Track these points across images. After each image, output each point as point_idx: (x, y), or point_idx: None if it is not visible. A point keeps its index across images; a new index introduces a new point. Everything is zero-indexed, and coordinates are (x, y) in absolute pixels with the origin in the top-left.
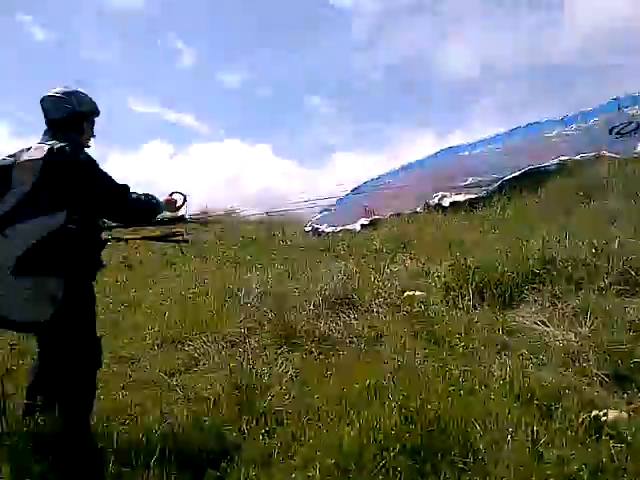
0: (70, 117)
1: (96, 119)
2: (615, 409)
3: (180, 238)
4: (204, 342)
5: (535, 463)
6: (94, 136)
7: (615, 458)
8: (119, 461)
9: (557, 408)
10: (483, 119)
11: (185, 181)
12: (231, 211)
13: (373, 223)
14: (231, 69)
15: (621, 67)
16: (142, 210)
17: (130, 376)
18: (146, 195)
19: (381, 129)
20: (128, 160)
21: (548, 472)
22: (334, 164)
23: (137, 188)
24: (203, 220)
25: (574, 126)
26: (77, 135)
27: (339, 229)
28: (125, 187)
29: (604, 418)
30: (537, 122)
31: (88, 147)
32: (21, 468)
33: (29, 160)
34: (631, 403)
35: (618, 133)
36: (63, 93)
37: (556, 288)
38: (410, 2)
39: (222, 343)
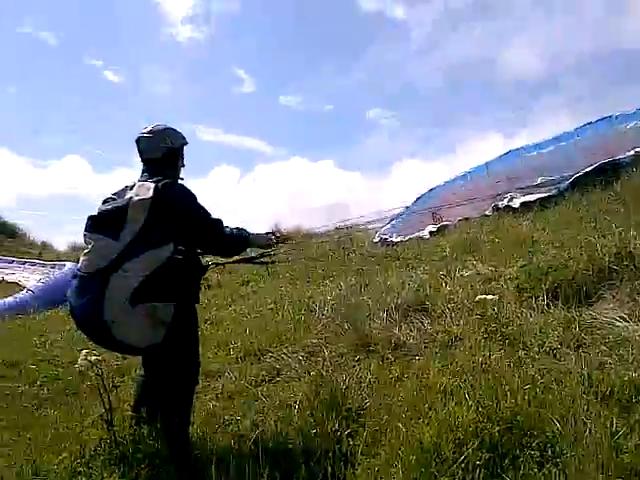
0: (166, 155)
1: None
2: None
3: (268, 260)
4: (284, 354)
5: (613, 454)
6: (184, 165)
7: None
8: (216, 466)
9: (637, 402)
10: (551, 117)
11: (253, 201)
12: (304, 231)
13: (441, 229)
14: (291, 91)
15: None
16: (235, 244)
17: (218, 388)
18: (238, 229)
19: (445, 134)
20: (198, 185)
21: (627, 462)
22: (399, 172)
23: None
24: (285, 247)
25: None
26: (173, 170)
27: (407, 238)
28: (219, 221)
29: None
30: (609, 116)
31: (182, 179)
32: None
33: (140, 199)
34: None
35: None
36: (156, 132)
37: (635, 283)
38: (465, 6)
39: (301, 354)
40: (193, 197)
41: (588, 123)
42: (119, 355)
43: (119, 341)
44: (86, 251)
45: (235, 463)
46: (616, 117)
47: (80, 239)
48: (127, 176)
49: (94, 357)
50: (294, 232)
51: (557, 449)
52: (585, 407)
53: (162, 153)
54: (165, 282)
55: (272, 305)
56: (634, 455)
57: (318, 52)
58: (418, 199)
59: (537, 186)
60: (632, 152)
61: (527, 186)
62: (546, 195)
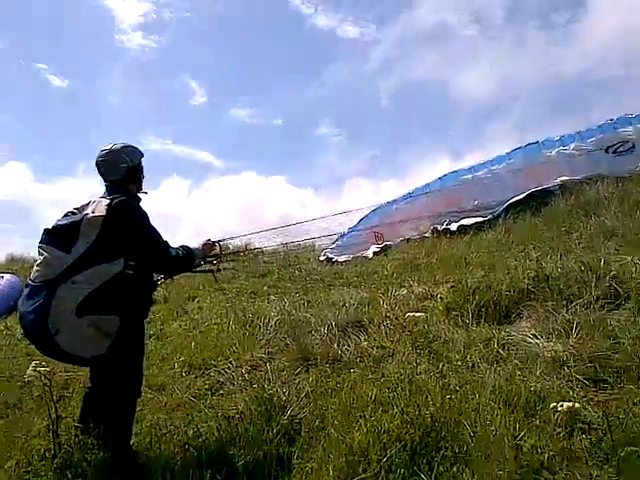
0: (127, 174)
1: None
2: (571, 401)
3: (214, 268)
4: (228, 367)
5: (514, 453)
6: (144, 177)
7: (584, 446)
8: (161, 473)
9: (539, 409)
10: (499, 140)
11: (204, 214)
12: (251, 249)
13: (384, 249)
14: (242, 105)
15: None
16: (181, 263)
17: (162, 401)
18: (183, 248)
19: (396, 154)
20: (149, 196)
21: (525, 461)
22: (350, 190)
23: (162, 222)
24: (231, 258)
25: (572, 145)
26: (135, 184)
27: (352, 257)
28: (165, 244)
29: (560, 408)
30: (536, 142)
31: (144, 192)
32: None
33: (94, 216)
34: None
35: (614, 152)
36: (113, 153)
37: (549, 303)
38: (417, 31)
39: (245, 367)
40: (144, 216)
41: (518, 148)
42: (67, 368)
43: (64, 351)
44: (38, 262)
45: (180, 469)
46: (543, 142)
47: (18, 250)
48: (70, 186)
49: (43, 368)
50: (242, 248)
51: (468, 450)
52: (494, 414)
53: (122, 174)
54: (113, 295)
55: (217, 320)
56: (530, 453)
57: (270, 67)
58: (362, 219)
59: (473, 210)
60: (558, 180)
61: (464, 210)
62: (481, 220)
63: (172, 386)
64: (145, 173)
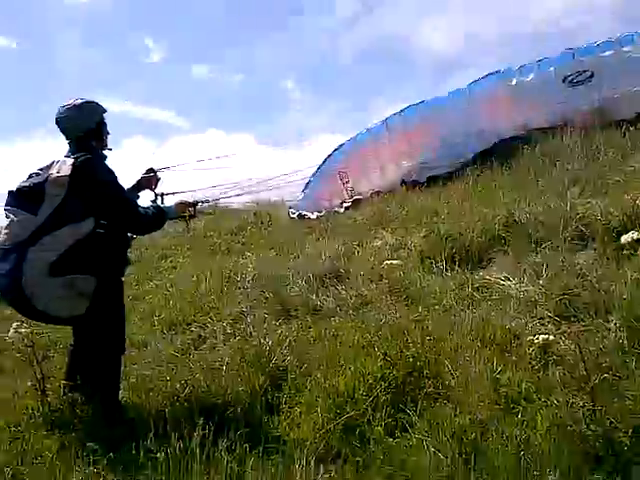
0: (89, 131)
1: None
2: (546, 334)
3: (188, 217)
4: (209, 322)
5: (492, 387)
6: (109, 133)
7: (557, 377)
8: (153, 421)
9: (514, 346)
10: None
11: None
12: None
13: (355, 203)
14: (201, 61)
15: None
16: (151, 220)
17: (146, 357)
18: (153, 207)
19: (364, 107)
20: (113, 157)
21: (503, 391)
22: (316, 146)
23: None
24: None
25: (531, 76)
26: (99, 141)
27: (324, 212)
28: (132, 202)
29: (536, 341)
30: (496, 71)
31: (109, 149)
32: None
33: (59, 176)
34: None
35: (571, 82)
36: (74, 110)
37: (519, 248)
38: None
39: (225, 322)
40: (110, 174)
41: (478, 79)
42: (48, 328)
43: (41, 312)
44: (5, 225)
45: (171, 419)
46: (503, 72)
47: None
48: (26, 148)
49: (24, 330)
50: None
51: (449, 387)
52: (471, 352)
53: (84, 130)
54: (86, 255)
55: (194, 278)
56: (508, 387)
57: (231, 22)
58: (325, 160)
59: (441, 157)
60: (523, 131)
61: (432, 163)
62: (449, 170)
63: (154, 343)
64: (109, 129)
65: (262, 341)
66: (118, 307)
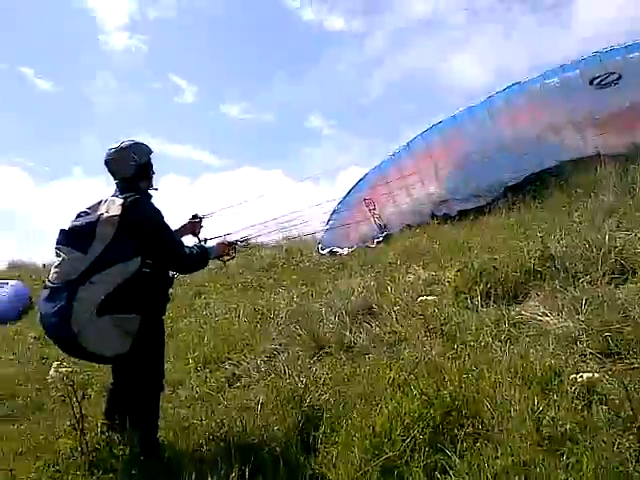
0: (137, 171)
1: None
2: (590, 372)
3: (227, 258)
4: (243, 360)
5: (534, 426)
6: (154, 173)
7: (602, 417)
8: (190, 462)
9: (555, 383)
10: None
11: (204, 210)
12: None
13: (387, 237)
14: (231, 100)
15: None
16: (196, 261)
17: (181, 396)
18: (197, 246)
19: (394, 142)
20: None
21: (546, 432)
22: (346, 180)
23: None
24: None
25: (556, 79)
26: (146, 181)
27: (354, 247)
28: (180, 243)
29: (580, 379)
30: (518, 82)
31: (155, 188)
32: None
33: (110, 216)
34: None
35: (599, 84)
36: (122, 151)
37: (556, 282)
38: (406, 20)
39: (259, 359)
40: (158, 215)
41: (498, 92)
42: (87, 367)
43: (87, 350)
44: (56, 263)
45: (208, 460)
46: (524, 83)
47: (18, 256)
48: (65, 188)
49: (65, 369)
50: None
51: (489, 426)
52: (511, 390)
53: (132, 172)
54: (132, 294)
55: (227, 315)
56: (551, 426)
57: (258, 62)
58: (351, 189)
59: (473, 195)
60: (554, 162)
61: (463, 196)
62: (480, 204)
63: (189, 381)
64: (155, 170)
65: (296, 379)
66: (159, 346)
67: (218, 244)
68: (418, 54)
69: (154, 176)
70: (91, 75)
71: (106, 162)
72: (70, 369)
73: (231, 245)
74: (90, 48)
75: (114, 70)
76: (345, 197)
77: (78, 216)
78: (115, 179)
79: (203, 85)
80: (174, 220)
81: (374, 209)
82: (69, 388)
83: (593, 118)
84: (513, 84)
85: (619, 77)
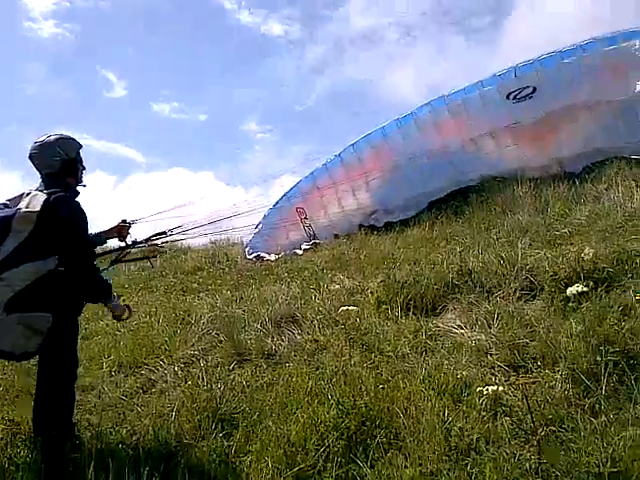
0: (63, 167)
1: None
2: (495, 385)
3: (151, 255)
4: (159, 365)
5: (444, 437)
6: (84, 168)
7: (506, 428)
8: (94, 470)
9: (465, 394)
10: None
11: (130, 210)
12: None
13: (314, 245)
14: (163, 99)
15: None
16: (92, 287)
17: (92, 402)
18: (107, 280)
19: (329, 151)
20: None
21: (454, 443)
22: (279, 189)
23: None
24: (153, 244)
25: (475, 93)
26: (72, 177)
27: (282, 254)
28: (90, 254)
29: (485, 392)
30: (442, 96)
31: (83, 185)
32: None
33: (28, 212)
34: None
35: (515, 98)
36: (47, 146)
37: (472, 296)
38: (342, 32)
39: (177, 365)
40: (78, 214)
41: (426, 103)
42: None
43: None
44: None
45: (115, 468)
46: (447, 96)
47: None
48: None
49: None
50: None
51: (401, 437)
52: (425, 401)
53: (58, 167)
54: (44, 293)
55: (147, 318)
56: (459, 437)
57: (192, 62)
58: (282, 196)
59: (400, 207)
60: (477, 175)
61: (388, 208)
62: (405, 217)
63: (101, 386)
64: (84, 164)
65: (214, 386)
66: (71, 347)
67: (110, 228)
68: (356, 66)
69: (84, 172)
70: (14, 63)
71: (30, 156)
72: None
73: (125, 227)
74: (14, 35)
75: (39, 59)
76: (276, 204)
77: None
78: (40, 174)
79: (134, 81)
80: (101, 220)
81: (305, 217)
82: None
83: (511, 131)
84: (437, 98)
85: (534, 90)
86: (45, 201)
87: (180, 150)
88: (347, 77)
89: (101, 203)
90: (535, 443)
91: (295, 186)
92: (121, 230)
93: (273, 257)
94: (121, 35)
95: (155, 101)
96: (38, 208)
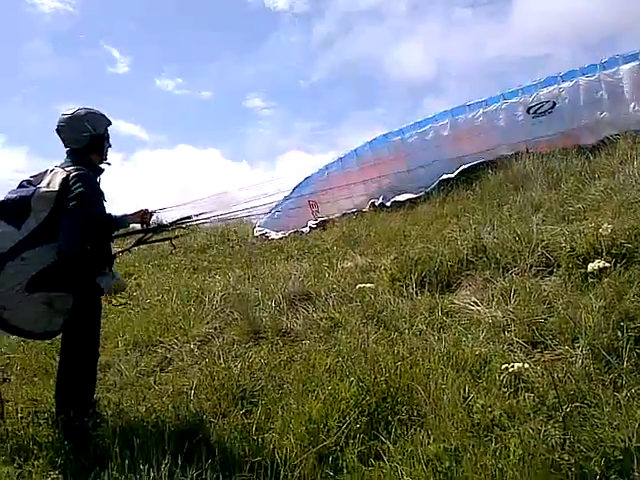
0: (91, 142)
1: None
2: (520, 362)
3: (172, 236)
4: (175, 344)
5: (466, 413)
6: (110, 146)
7: (528, 405)
8: (119, 446)
9: (484, 371)
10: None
11: (137, 189)
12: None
13: (321, 224)
14: (167, 75)
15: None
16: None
17: (109, 380)
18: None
19: (335, 127)
20: None
21: (477, 420)
22: (286, 164)
23: None
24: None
25: (496, 106)
26: (98, 154)
27: (288, 233)
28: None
29: (511, 369)
30: (462, 105)
31: (108, 163)
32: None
33: (47, 191)
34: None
35: (535, 112)
36: (76, 120)
37: (487, 272)
38: (348, 5)
39: (193, 343)
40: (95, 193)
41: (444, 111)
42: (6, 349)
43: (12, 325)
44: None
45: (139, 446)
46: (469, 105)
47: None
48: None
49: None
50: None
51: (422, 413)
52: (444, 378)
53: (85, 142)
54: (67, 272)
55: (159, 297)
56: (481, 413)
57: (195, 37)
58: (295, 187)
59: (407, 184)
60: (487, 154)
61: (397, 180)
62: (415, 196)
63: (118, 364)
64: (111, 142)
65: (231, 364)
66: (94, 326)
67: (134, 213)
68: (362, 41)
69: (109, 150)
70: (16, 40)
71: (58, 129)
72: None
73: (146, 214)
74: (16, 11)
75: (41, 36)
76: (290, 195)
77: (20, 186)
78: (66, 147)
79: (138, 57)
80: (112, 198)
81: (317, 210)
82: None
83: (529, 143)
84: (459, 106)
85: (553, 105)
86: (63, 179)
87: (185, 127)
88: (354, 52)
89: (110, 180)
90: (560, 419)
91: (307, 178)
92: (144, 216)
93: (279, 235)
94: (124, 10)
95: (159, 77)
96: (57, 187)
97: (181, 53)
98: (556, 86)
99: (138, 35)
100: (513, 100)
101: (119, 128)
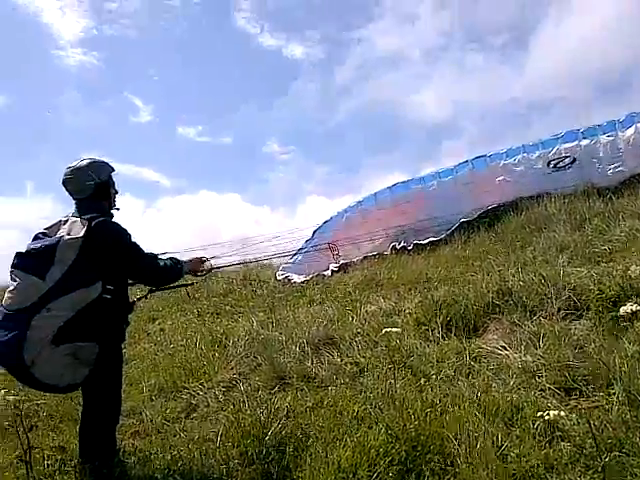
0: (96, 191)
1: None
2: (556, 409)
3: (189, 283)
4: (200, 389)
5: (500, 463)
6: (117, 192)
7: (566, 453)
8: None
9: (517, 418)
10: (454, 159)
11: (162, 234)
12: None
13: (343, 267)
14: (188, 122)
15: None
16: (170, 273)
17: (135, 426)
18: (171, 259)
19: (354, 171)
20: None
21: (511, 470)
22: (306, 208)
23: None
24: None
25: (517, 158)
26: (106, 201)
27: (310, 276)
28: (152, 256)
29: (547, 417)
30: (483, 155)
31: (117, 208)
32: None
33: (72, 239)
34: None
35: (554, 166)
36: (79, 170)
37: (513, 316)
38: (365, 54)
39: (217, 389)
40: (125, 234)
41: (465, 161)
42: (35, 395)
43: (38, 380)
44: (11, 288)
45: None
46: (489, 156)
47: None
48: (19, 207)
49: (12, 397)
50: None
51: (455, 462)
52: (475, 425)
53: (91, 191)
54: (91, 322)
55: (183, 341)
56: (517, 463)
57: (217, 86)
58: (315, 231)
59: (427, 228)
60: (512, 197)
61: (416, 226)
62: (436, 239)
63: (144, 411)
64: (117, 188)
65: (257, 411)
66: (117, 375)
67: (191, 259)
68: (379, 87)
69: (116, 195)
70: (44, 91)
71: (64, 182)
72: (17, 397)
73: (203, 262)
74: (44, 64)
75: (67, 87)
76: (310, 239)
77: (36, 238)
78: (74, 199)
79: (160, 106)
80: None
81: (337, 253)
82: (16, 418)
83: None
84: (477, 157)
85: (573, 160)
86: (87, 226)
87: (205, 173)
88: (371, 98)
89: (133, 226)
90: (599, 469)
91: (327, 222)
92: (199, 264)
93: (301, 279)
94: (147, 61)
95: (180, 125)
96: (81, 234)
97: (202, 102)
98: (577, 142)
99: (160, 85)
100: (534, 154)
101: (141, 175)
